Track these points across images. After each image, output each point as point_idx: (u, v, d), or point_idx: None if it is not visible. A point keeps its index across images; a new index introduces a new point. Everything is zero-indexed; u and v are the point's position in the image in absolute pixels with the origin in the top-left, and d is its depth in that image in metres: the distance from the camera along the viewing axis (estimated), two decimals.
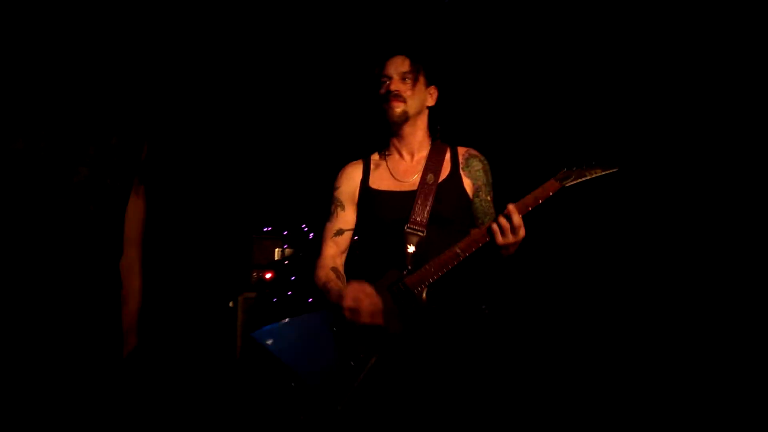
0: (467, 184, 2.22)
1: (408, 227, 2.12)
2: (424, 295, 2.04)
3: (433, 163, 2.22)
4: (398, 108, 2.21)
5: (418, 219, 2.13)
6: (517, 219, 1.94)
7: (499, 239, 1.95)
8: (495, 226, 1.96)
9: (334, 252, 2.24)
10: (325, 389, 2.01)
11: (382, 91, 2.23)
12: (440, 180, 2.19)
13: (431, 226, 2.12)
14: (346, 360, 2.03)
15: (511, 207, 1.95)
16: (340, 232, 2.25)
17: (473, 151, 2.28)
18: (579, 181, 2.02)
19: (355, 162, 2.34)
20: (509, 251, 2.01)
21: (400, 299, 2.04)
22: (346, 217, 2.26)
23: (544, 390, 3.15)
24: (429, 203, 2.14)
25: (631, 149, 3.10)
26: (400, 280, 2.06)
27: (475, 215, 2.22)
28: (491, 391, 2.07)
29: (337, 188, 2.30)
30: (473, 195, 2.21)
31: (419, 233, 2.11)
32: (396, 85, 2.21)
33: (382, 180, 2.25)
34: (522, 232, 1.95)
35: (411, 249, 2.10)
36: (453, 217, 2.16)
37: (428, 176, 2.19)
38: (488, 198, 2.24)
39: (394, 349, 2.02)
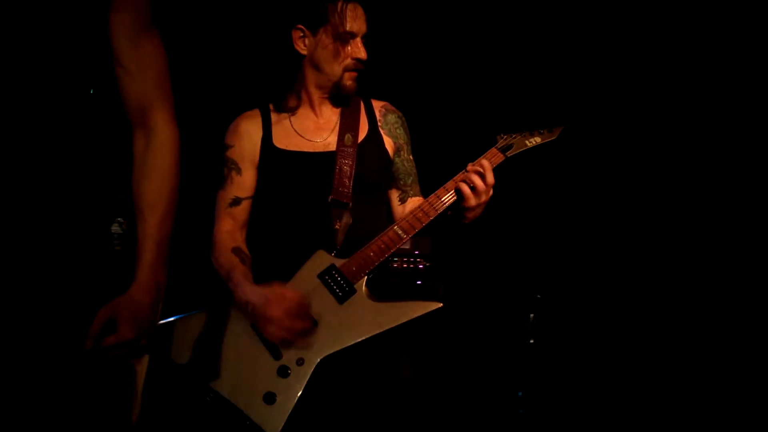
0: (388, 143, 1.96)
1: (332, 198, 1.85)
2: (364, 287, 1.79)
3: (348, 121, 1.94)
4: (355, 81, 1.91)
5: (341, 188, 1.85)
6: (491, 176, 1.77)
7: (472, 201, 1.76)
8: (466, 187, 1.77)
9: (231, 227, 1.90)
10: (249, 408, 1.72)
11: (344, 54, 1.87)
12: (359, 140, 1.92)
13: (356, 195, 1.86)
14: (272, 366, 1.75)
15: (485, 162, 1.79)
16: (236, 202, 1.91)
17: (390, 106, 2.02)
18: (520, 151, 1.87)
19: (249, 113, 1.96)
20: (476, 214, 1.82)
21: (336, 291, 1.79)
22: (244, 183, 1.91)
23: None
24: (351, 168, 1.86)
25: (572, 113, 2.93)
26: (333, 267, 1.80)
27: (396, 176, 1.98)
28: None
29: (229, 146, 1.92)
30: (394, 154, 1.97)
31: (344, 204, 1.85)
32: (363, 51, 1.88)
33: (288, 138, 1.91)
34: (491, 192, 1.78)
35: (338, 224, 1.83)
36: (378, 181, 1.94)
37: (346, 136, 1.90)
38: (410, 157, 2.01)
39: (330, 350, 1.75)
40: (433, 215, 1.80)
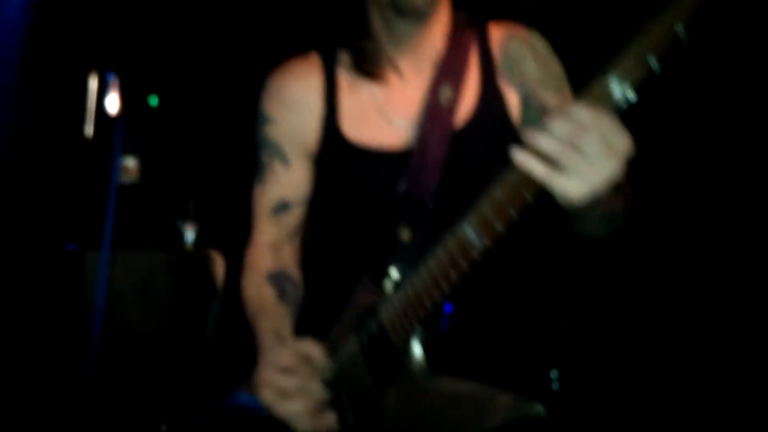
0: (512, 98, 1.20)
1: (403, 194, 1.16)
2: (415, 351, 1.06)
3: (450, 67, 1.20)
4: None
5: (422, 182, 1.15)
6: (583, 114, 0.81)
7: (557, 181, 0.83)
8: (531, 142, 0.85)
9: (275, 236, 1.28)
10: None
11: None
12: (461, 105, 1.18)
13: (444, 193, 1.14)
14: None
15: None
16: (283, 206, 1.27)
17: (520, 31, 1.24)
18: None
19: (303, 63, 1.29)
20: (596, 210, 0.91)
21: (375, 357, 1.09)
22: (291, 177, 1.26)
23: None
24: (441, 151, 1.15)
25: None
26: (374, 311, 1.10)
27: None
28: None
29: (268, 120, 1.28)
30: (522, 108, 1.20)
31: (422, 207, 1.14)
32: None
33: (365, 122, 1.22)
34: (621, 142, 0.82)
35: (405, 236, 1.12)
36: (488, 172, 0.97)
37: (442, 93, 1.18)
38: (552, 102, 1.17)
39: None
40: (518, 204, 0.91)
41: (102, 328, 2.32)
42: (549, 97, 1.18)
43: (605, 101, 0.82)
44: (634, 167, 0.88)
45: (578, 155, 0.81)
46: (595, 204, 0.85)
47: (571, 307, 2.77)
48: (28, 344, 2.75)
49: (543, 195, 0.88)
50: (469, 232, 0.95)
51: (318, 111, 1.24)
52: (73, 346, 2.60)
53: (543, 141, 0.82)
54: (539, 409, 1.01)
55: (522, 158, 0.84)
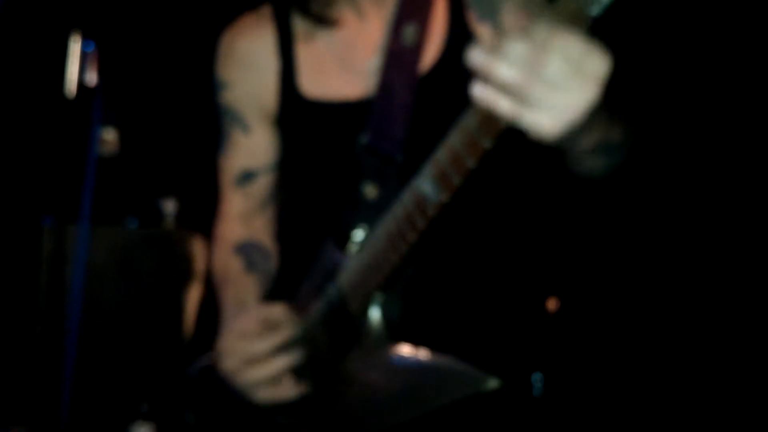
0: (484, 34, 1.05)
1: (366, 147, 1.05)
2: (374, 315, 1.01)
3: (413, 3, 1.07)
4: None
5: (387, 133, 1.04)
6: (544, 33, 0.69)
7: (524, 115, 0.70)
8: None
9: (242, 208, 1.21)
10: None
11: None
12: (426, 47, 1.06)
13: (413, 144, 1.02)
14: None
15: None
16: (247, 176, 1.20)
17: None
18: None
19: (252, 20, 1.19)
20: (580, 142, 0.84)
21: (334, 324, 1.05)
22: (253, 144, 1.19)
23: None
24: (407, 98, 1.04)
25: None
26: (334, 276, 1.04)
27: None
28: None
29: (224, 86, 1.19)
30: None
31: (388, 160, 1.03)
32: None
33: (325, 71, 1.12)
34: (593, 63, 0.68)
35: (371, 193, 1.03)
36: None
37: (405, 33, 1.06)
38: None
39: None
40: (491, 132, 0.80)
41: (79, 306, 2.29)
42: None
43: (572, 14, 0.70)
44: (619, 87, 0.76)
45: (542, 83, 0.67)
46: (578, 135, 0.76)
47: (561, 290, 2.66)
48: (4, 318, 2.70)
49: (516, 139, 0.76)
50: (425, 186, 0.86)
51: (273, 68, 1.13)
52: (51, 323, 2.57)
53: (500, 68, 0.68)
54: (493, 383, 0.96)
55: (481, 92, 0.70)
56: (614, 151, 0.90)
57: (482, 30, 1.07)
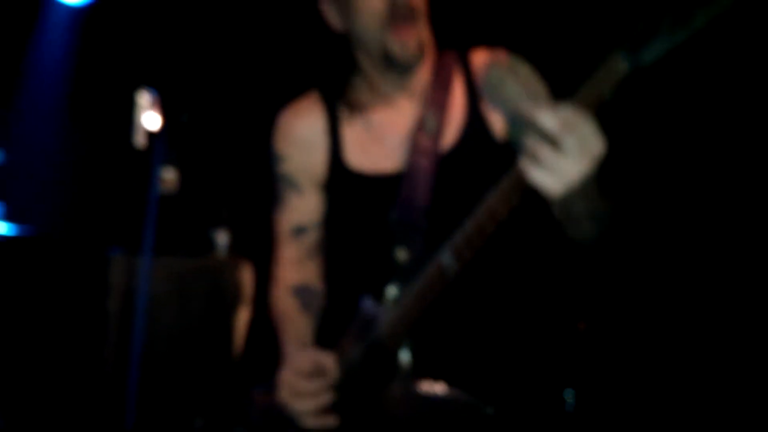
0: (495, 119, 1.28)
1: (397, 217, 1.27)
2: (405, 359, 1.22)
3: (434, 97, 1.30)
4: (413, 41, 1.25)
5: (413, 206, 1.26)
6: (548, 117, 0.90)
7: (536, 173, 0.91)
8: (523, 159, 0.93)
9: (296, 254, 1.41)
10: None
11: (369, 5, 1.25)
12: (446, 132, 1.29)
13: (436, 212, 1.25)
14: None
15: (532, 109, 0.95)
16: (300, 230, 1.41)
17: (501, 56, 1.32)
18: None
19: (305, 105, 1.41)
20: (577, 207, 1.03)
21: (373, 365, 1.24)
22: (305, 205, 1.40)
23: None
24: (429, 176, 1.26)
25: None
26: (373, 325, 1.24)
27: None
28: None
29: (282, 159, 1.41)
30: (510, 127, 1.27)
31: (415, 228, 1.25)
32: None
33: (365, 149, 1.34)
34: (595, 144, 0.90)
35: (402, 256, 1.24)
36: (475, 187, 1.11)
37: (427, 123, 1.29)
38: None
39: None
40: (505, 207, 1.02)
41: (142, 329, 2.49)
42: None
43: (589, 101, 0.91)
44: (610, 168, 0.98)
45: (557, 152, 0.89)
46: (575, 199, 0.97)
47: (581, 318, 2.74)
48: (76, 341, 2.95)
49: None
50: (446, 258, 1.11)
51: (323, 145, 1.37)
52: (116, 345, 2.78)
53: (544, 119, 0.90)
54: (489, 410, 1.17)
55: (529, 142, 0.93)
56: (601, 219, 1.10)
57: (494, 117, 1.30)
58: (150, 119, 2.72)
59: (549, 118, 0.90)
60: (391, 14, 1.24)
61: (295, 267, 1.41)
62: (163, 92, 2.73)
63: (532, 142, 0.91)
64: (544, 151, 0.90)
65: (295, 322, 1.36)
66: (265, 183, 1.49)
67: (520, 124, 1.26)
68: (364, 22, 1.27)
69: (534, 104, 1.13)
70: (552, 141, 0.89)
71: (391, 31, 1.25)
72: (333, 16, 1.34)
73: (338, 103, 1.39)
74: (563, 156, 0.90)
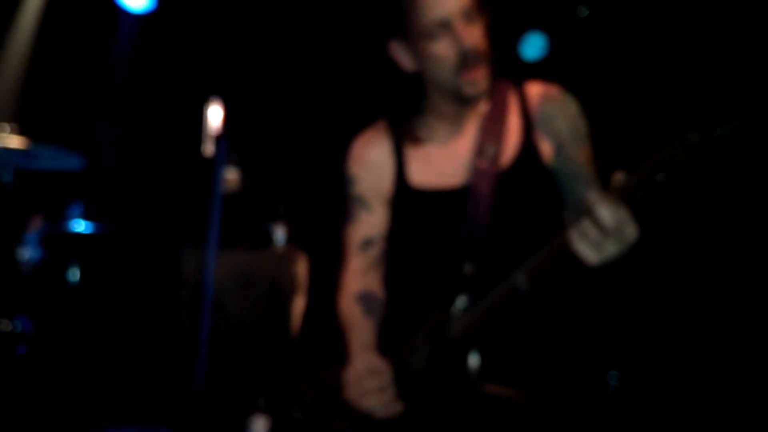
0: (545, 148, 1.46)
1: (463, 231, 1.43)
2: (473, 365, 1.33)
3: (493, 127, 1.47)
4: (482, 79, 1.42)
5: (476, 224, 1.42)
6: (608, 213, 1.10)
7: (581, 247, 1.13)
8: (574, 231, 1.15)
9: (363, 264, 1.56)
10: None
11: (443, 53, 1.39)
12: (503, 154, 1.45)
13: (494, 228, 1.43)
14: None
15: (593, 196, 1.13)
16: (368, 243, 1.57)
17: (554, 91, 1.50)
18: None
19: (374, 133, 1.60)
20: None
21: (443, 367, 1.36)
22: (373, 221, 1.57)
23: None
24: (488, 196, 1.42)
25: None
26: (444, 329, 1.36)
27: (561, 186, 1.45)
28: None
29: (354, 181, 1.59)
30: (554, 156, 1.44)
31: (479, 244, 1.42)
32: (470, 37, 1.38)
33: (426, 170, 1.51)
34: (629, 232, 1.13)
35: (469, 270, 1.40)
36: (529, 212, 1.44)
37: (486, 150, 1.45)
38: (579, 154, 1.44)
39: None
40: (557, 259, 1.22)
41: (210, 317, 2.70)
42: (576, 150, 1.47)
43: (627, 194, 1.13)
44: None
45: (604, 236, 1.12)
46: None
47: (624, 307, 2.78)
48: (152, 328, 3.21)
49: None
50: (519, 279, 1.27)
51: (390, 168, 1.55)
52: (188, 331, 3.03)
53: (590, 221, 1.13)
54: (552, 412, 1.35)
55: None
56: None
57: (544, 145, 1.47)
58: (216, 127, 2.92)
59: (608, 214, 1.11)
60: (462, 61, 1.40)
61: (360, 276, 1.56)
62: (227, 98, 2.88)
63: (586, 224, 1.13)
64: (594, 234, 1.13)
65: (358, 327, 1.50)
66: (318, 183, 1.70)
67: (563, 155, 1.47)
68: (438, 69, 1.44)
69: (594, 192, 1.24)
70: (603, 230, 1.12)
71: (462, 74, 1.41)
72: (404, 59, 1.50)
73: (403, 132, 1.57)
74: (608, 240, 1.13)
